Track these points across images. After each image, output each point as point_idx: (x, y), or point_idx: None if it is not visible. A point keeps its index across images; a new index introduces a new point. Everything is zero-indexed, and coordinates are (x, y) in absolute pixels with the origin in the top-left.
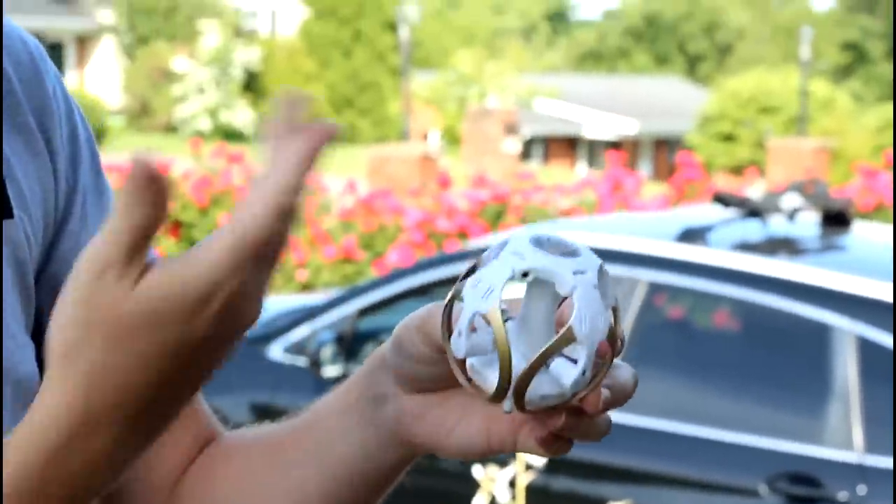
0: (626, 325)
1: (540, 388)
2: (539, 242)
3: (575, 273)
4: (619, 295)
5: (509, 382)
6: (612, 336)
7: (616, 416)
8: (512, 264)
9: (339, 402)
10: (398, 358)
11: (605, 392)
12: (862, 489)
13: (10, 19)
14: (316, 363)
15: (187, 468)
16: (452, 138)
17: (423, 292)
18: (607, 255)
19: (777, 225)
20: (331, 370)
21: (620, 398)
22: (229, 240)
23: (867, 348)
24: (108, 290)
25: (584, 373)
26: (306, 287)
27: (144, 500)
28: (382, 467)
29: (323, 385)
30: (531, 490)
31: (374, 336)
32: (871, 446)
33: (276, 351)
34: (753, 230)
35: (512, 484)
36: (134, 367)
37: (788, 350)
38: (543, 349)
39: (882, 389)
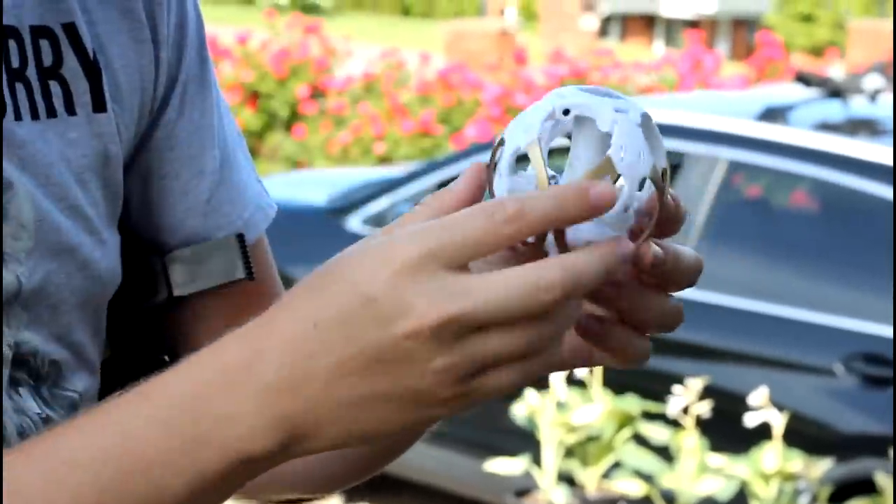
0: (706, 204)
1: (582, 231)
2: (584, 88)
3: (616, 110)
4: (698, 173)
5: None
6: (657, 177)
7: (693, 293)
8: (552, 102)
9: None
10: None
11: (656, 251)
12: None
13: None
14: None
15: None
16: (528, 14)
17: None
18: (688, 133)
19: (858, 105)
20: None
21: (683, 277)
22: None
23: None
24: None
25: (626, 209)
26: (384, 160)
27: None
28: None
29: None
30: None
31: None
32: None
33: (354, 223)
34: (834, 110)
35: None
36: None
37: (867, 230)
38: (581, 175)
39: None
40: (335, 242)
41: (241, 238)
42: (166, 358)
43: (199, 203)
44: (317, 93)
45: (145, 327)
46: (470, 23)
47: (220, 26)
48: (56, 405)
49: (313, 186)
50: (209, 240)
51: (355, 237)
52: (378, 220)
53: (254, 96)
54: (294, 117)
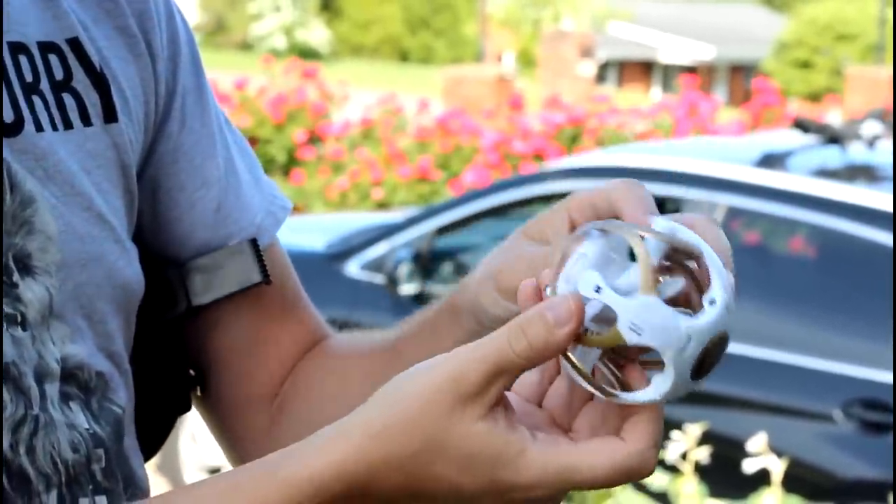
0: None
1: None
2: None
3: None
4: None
5: None
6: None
7: None
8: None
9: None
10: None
11: None
12: None
13: None
14: (393, 281)
15: (290, 371)
16: (526, 61)
17: (498, 213)
18: (686, 179)
19: (856, 152)
20: (407, 288)
21: None
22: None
23: None
24: (457, 418)
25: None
26: (381, 205)
27: (247, 407)
28: None
29: (399, 302)
30: None
31: (449, 255)
32: None
33: (353, 268)
34: (833, 157)
35: None
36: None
37: (865, 276)
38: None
39: None
40: (333, 288)
41: (254, 243)
42: (192, 372)
43: (208, 214)
44: (314, 138)
45: (164, 340)
46: (468, 69)
47: (217, 72)
48: (102, 420)
49: (311, 232)
50: (222, 248)
51: (354, 282)
52: (377, 266)
53: (251, 142)
54: (292, 163)
